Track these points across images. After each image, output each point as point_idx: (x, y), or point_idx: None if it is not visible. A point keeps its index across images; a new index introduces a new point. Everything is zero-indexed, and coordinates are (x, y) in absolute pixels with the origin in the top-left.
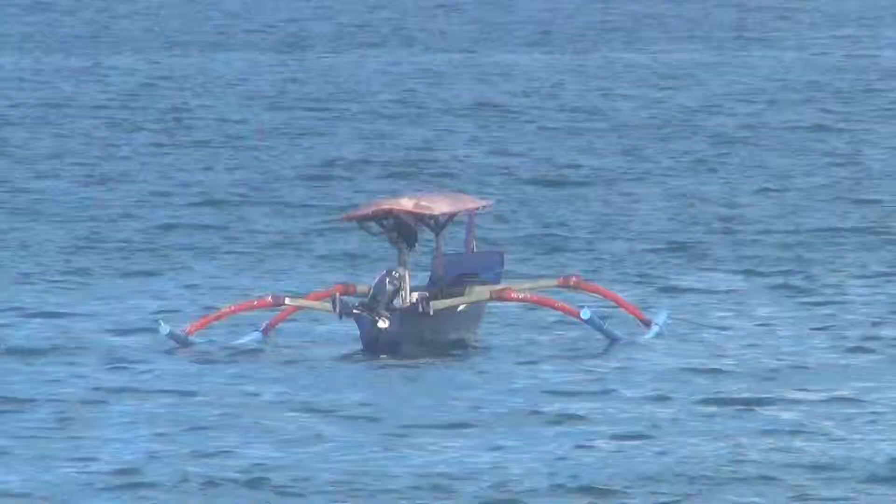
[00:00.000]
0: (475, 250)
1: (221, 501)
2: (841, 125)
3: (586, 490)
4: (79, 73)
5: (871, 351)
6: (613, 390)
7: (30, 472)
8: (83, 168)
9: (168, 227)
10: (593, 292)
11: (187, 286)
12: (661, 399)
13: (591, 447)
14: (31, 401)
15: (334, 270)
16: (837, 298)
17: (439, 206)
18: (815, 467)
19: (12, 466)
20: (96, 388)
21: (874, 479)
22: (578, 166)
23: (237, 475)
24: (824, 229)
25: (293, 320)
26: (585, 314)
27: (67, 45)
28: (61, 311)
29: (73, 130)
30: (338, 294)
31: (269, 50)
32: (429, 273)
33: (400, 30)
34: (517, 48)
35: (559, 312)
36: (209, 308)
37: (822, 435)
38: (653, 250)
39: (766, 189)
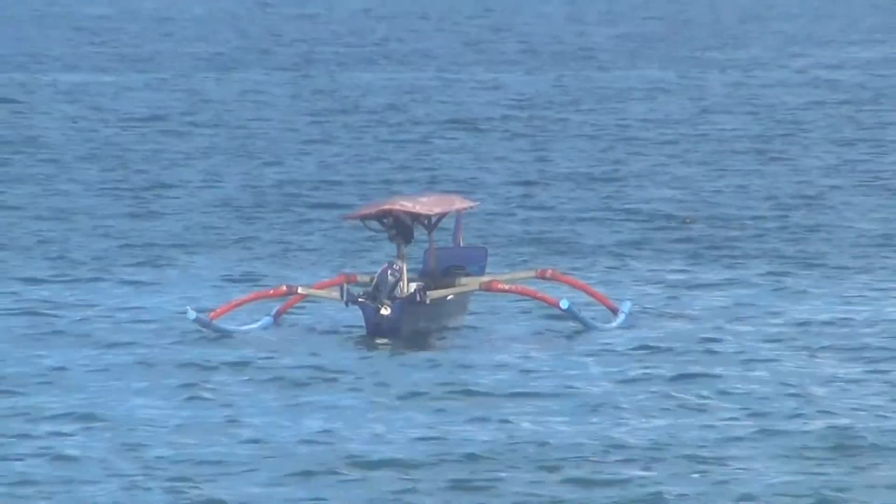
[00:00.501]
0: (462, 245)
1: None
2: (790, 133)
3: (550, 460)
4: (135, 89)
5: (831, 337)
6: (582, 372)
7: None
8: (124, 172)
9: (195, 227)
10: (566, 283)
11: (212, 277)
12: (625, 381)
13: (559, 422)
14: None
15: (339, 262)
16: (796, 288)
17: (432, 206)
18: (764, 440)
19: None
20: (135, 363)
21: (831, 449)
22: (551, 171)
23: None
24: (780, 226)
25: (301, 306)
26: (564, 304)
27: (104, 63)
28: (102, 299)
29: (109, 139)
30: (344, 284)
31: (281, 69)
32: (420, 264)
33: (393, 51)
34: (499, 66)
35: (540, 302)
36: (230, 296)
37: (775, 411)
38: (619, 245)
39: (722, 189)
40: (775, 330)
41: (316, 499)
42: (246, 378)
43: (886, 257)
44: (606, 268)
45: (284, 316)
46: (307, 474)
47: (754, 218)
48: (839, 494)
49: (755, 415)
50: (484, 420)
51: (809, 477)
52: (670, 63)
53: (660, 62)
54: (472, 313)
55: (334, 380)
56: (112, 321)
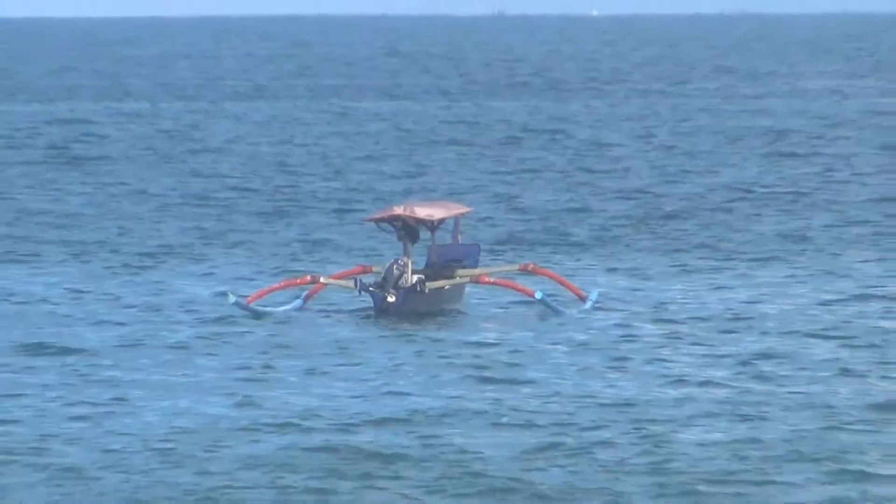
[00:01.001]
0: (460, 242)
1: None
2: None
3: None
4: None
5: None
6: (551, 347)
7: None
8: (178, 179)
9: (234, 228)
10: (543, 274)
11: (250, 267)
12: (586, 353)
13: (530, 386)
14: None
15: (357, 255)
16: (737, 280)
17: (435, 212)
18: (698, 405)
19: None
20: (195, 336)
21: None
22: (532, 183)
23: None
24: (716, 227)
25: (325, 292)
26: (538, 295)
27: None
28: (156, 284)
29: (171, 153)
30: (359, 275)
31: (311, 98)
32: (425, 257)
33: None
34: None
35: (519, 293)
36: (264, 283)
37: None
38: (588, 242)
39: (672, 194)
40: (713, 313)
41: (327, 442)
42: (275, 346)
43: (801, 252)
44: (577, 261)
45: (312, 300)
46: (332, 424)
47: (698, 222)
48: (744, 447)
49: (680, 381)
50: (467, 384)
51: (731, 434)
52: (639, 95)
53: (626, 94)
54: (466, 299)
55: (347, 350)
56: (177, 301)
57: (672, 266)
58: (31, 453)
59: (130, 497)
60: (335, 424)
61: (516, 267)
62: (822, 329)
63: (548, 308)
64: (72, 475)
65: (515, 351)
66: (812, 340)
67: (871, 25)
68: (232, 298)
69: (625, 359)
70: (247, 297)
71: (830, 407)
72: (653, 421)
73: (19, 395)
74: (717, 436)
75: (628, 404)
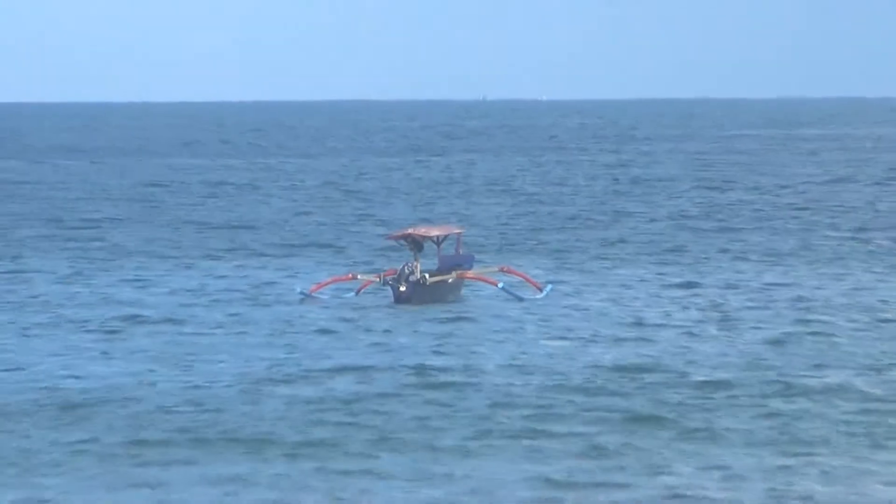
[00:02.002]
0: (460, 252)
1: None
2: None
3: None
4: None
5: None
6: (515, 325)
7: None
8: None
9: (301, 239)
10: (512, 273)
11: (310, 265)
12: (538, 326)
13: (494, 350)
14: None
15: (384, 261)
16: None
17: (436, 231)
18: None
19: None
20: (272, 319)
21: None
22: (510, 211)
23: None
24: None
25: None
26: (500, 284)
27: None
28: (232, 278)
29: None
30: (383, 275)
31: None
32: (436, 263)
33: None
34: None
35: (488, 284)
36: (320, 279)
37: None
38: (548, 249)
39: (629, 210)
40: (650, 300)
41: (357, 392)
42: (324, 320)
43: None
44: (537, 264)
45: (363, 291)
46: (357, 374)
47: (635, 232)
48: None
49: (592, 341)
50: (454, 349)
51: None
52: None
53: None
54: (458, 291)
55: (372, 327)
56: (260, 291)
57: (600, 267)
58: (127, 395)
59: (194, 427)
60: (358, 373)
61: (496, 268)
62: (687, 300)
63: (509, 294)
64: (159, 411)
65: (487, 324)
66: (680, 312)
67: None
68: (297, 288)
69: (564, 328)
70: (309, 288)
71: (691, 356)
72: (577, 364)
73: (129, 352)
74: (609, 359)
75: (564, 357)
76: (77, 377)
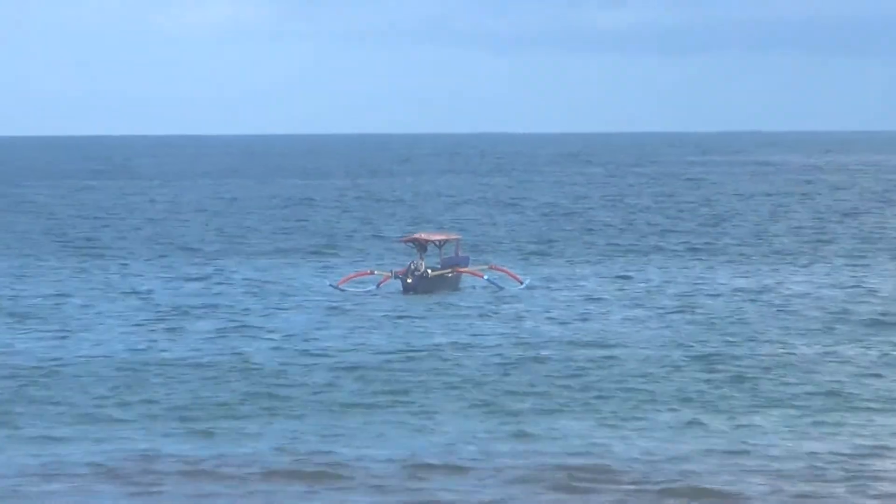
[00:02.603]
0: (459, 254)
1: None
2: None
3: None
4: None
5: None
6: (497, 309)
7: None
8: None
9: (341, 239)
10: (498, 269)
11: (339, 265)
12: (513, 306)
13: (481, 330)
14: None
15: (395, 260)
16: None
17: (438, 237)
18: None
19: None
20: (315, 306)
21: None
22: (495, 223)
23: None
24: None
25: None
26: (486, 276)
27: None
28: (274, 274)
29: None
30: (394, 271)
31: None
32: (439, 262)
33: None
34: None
35: (475, 276)
36: (345, 273)
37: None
38: (528, 250)
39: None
40: (600, 291)
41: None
42: (349, 305)
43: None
44: (520, 261)
45: (383, 285)
46: (369, 347)
47: (604, 238)
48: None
49: (564, 323)
50: (449, 329)
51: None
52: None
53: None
54: (456, 284)
55: (388, 312)
56: (312, 287)
57: (568, 265)
58: (190, 364)
59: (240, 389)
60: (376, 350)
61: (486, 266)
62: (649, 293)
63: (494, 285)
64: (220, 377)
65: (477, 307)
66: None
67: None
68: (328, 281)
69: (537, 310)
70: (337, 281)
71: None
72: (539, 338)
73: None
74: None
75: (534, 333)
76: (155, 351)
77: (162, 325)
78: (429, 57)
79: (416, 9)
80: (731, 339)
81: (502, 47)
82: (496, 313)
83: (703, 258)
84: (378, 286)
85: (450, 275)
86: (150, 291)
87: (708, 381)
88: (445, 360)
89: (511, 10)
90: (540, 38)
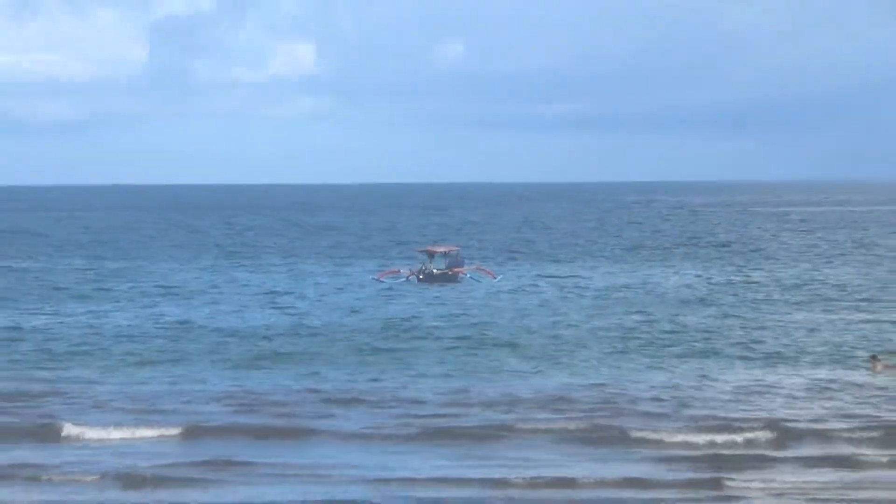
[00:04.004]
0: (460, 258)
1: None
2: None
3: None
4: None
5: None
6: (478, 297)
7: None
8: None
9: (373, 248)
10: (479, 269)
11: (380, 264)
12: (491, 296)
13: (471, 312)
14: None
15: (412, 262)
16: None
17: (442, 248)
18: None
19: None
20: (359, 296)
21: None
22: (483, 238)
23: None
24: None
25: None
26: (467, 273)
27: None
28: (347, 272)
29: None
30: (413, 269)
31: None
32: (444, 264)
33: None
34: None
35: (461, 273)
36: (380, 270)
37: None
38: (501, 257)
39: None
40: (558, 284)
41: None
42: (384, 289)
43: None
44: (497, 264)
45: (410, 278)
46: (387, 330)
47: (575, 245)
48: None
49: (524, 310)
50: (443, 303)
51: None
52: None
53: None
54: (453, 278)
55: (407, 293)
56: (345, 276)
57: (539, 263)
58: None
59: (314, 342)
60: (389, 327)
61: (474, 266)
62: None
63: (473, 279)
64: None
65: (466, 295)
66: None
67: None
68: (371, 276)
69: (511, 297)
70: (377, 274)
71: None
72: (507, 316)
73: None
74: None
75: (496, 311)
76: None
77: (271, 301)
78: None
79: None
80: (628, 314)
81: None
82: (476, 298)
83: (594, 262)
84: (407, 278)
85: (448, 273)
86: (261, 283)
87: (605, 335)
88: (437, 322)
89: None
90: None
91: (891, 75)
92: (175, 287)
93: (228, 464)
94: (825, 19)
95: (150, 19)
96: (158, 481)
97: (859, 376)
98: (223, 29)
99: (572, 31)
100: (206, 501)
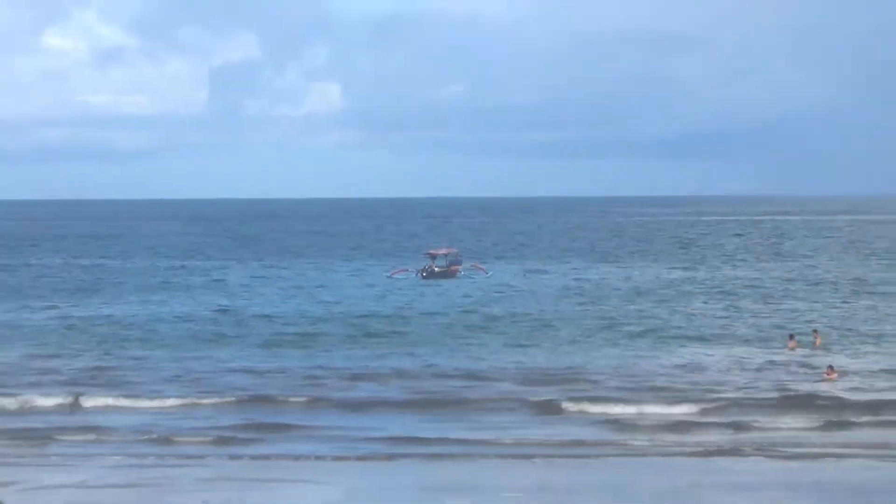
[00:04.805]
0: (459, 258)
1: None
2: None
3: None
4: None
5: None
6: (471, 289)
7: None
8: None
9: (385, 251)
10: (474, 266)
11: (391, 264)
12: (482, 289)
13: (465, 298)
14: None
15: (419, 262)
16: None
17: (443, 250)
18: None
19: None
20: (374, 292)
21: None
22: (480, 242)
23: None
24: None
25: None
26: (463, 269)
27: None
28: (364, 269)
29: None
30: (418, 268)
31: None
32: (445, 263)
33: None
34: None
35: (460, 270)
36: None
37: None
38: (493, 256)
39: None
40: (557, 284)
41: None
42: (395, 284)
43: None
44: (493, 260)
45: (417, 275)
46: (396, 317)
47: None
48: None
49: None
50: (443, 296)
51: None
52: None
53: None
54: (452, 275)
55: (408, 288)
56: (364, 274)
57: (521, 261)
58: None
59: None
60: (397, 313)
61: (470, 265)
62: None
63: (468, 276)
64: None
65: (464, 285)
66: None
67: None
68: (386, 273)
69: (495, 289)
70: (391, 272)
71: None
72: (499, 307)
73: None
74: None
75: (487, 300)
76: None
77: (306, 293)
78: None
79: None
80: (604, 302)
81: None
82: (469, 290)
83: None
84: (416, 274)
85: (448, 270)
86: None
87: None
88: (436, 312)
89: None
90: None
91: (803, 110)
92: (221, 280)
93: (274, 427)
94: (751, 67)
95: (210, 66)
96: (220, 441)
97: (776, 355)
98: (268, 74)
99: (550, 69)
100: (250, 453)
